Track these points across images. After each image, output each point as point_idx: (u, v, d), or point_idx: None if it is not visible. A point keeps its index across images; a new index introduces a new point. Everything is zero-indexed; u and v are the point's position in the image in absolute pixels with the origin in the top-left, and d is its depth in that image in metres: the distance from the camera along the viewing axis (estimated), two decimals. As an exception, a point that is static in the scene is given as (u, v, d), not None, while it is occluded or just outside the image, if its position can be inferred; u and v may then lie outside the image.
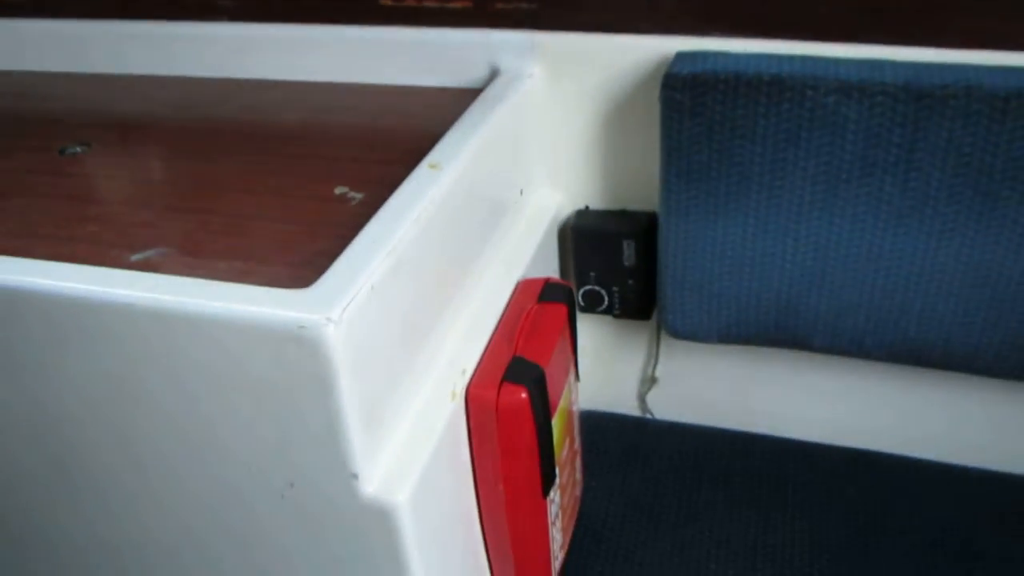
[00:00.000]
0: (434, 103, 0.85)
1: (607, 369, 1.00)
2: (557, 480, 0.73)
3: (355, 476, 0.55)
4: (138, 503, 0.64)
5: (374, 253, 0.56)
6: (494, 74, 0.86)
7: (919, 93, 0.71)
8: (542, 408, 0.67)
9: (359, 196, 0.68)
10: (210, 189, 0.71)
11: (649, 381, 1.00)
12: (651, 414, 1.02)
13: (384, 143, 0.78)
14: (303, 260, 0.60)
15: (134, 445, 0.60)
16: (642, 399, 1.02)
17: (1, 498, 0.71)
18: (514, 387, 0.65)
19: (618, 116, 0.86)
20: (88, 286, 0.55)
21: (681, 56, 0.79)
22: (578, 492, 0.85)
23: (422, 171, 0.66)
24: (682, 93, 0.76)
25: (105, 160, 0.78)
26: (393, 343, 0.58)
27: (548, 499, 0.72)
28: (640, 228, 0.88)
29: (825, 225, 0.78)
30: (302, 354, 0.50)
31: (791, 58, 0.76)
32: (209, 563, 0.66)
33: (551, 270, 0.90)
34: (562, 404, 0.74)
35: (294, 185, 0.71)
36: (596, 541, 0.85)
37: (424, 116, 0.83)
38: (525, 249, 0.82)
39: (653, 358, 0.98)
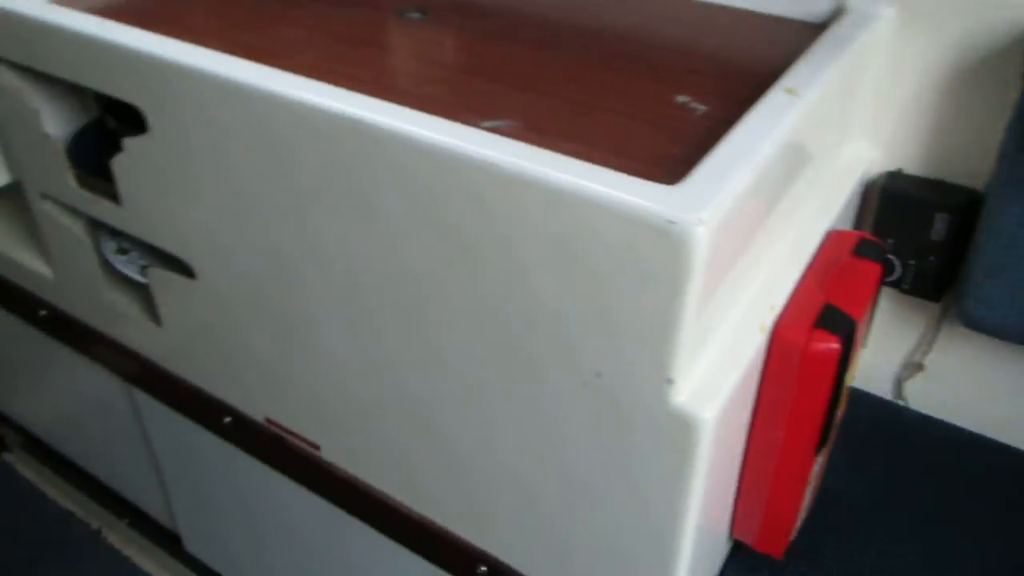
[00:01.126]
0: (770, 30, 0.81)
1: (871, 343, 0.95)
2: (829, 441, 0.71)
3: (670, 381, 0.54)
4: (438, 357, 0.67)
5: (738, 166, 0.54)
6: (838, 11, 0.81)
7: None
8: (845, 362, 0.64)
9: (703, 108, 0.66)
10: (547, 73, 0.71)
11: (914, 367, 0.94)
12: (905, 401, 0.96)
13: (722, 60, 0.75)
14: (652, 158, 0.59)
15: (453, 300, 0.62)
16: (899, 383, 0.96)
17: (295, 336, 0.76)
18: (826, 335, 0.62)
19: (964, 78, 0.79)
20: (454, 140, 0.56)
21: None
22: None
23: (778, 94, 0.63)
24: (1061, 64, 0.69)
25: (442, 29, 0.80)
26: (728, 259, 0.57)
27: (816, 458, 0.69)
28: (959, 203, 0.81)
29: None
30: (662, 249, 0.50)
31: None
32: (485, 434, 0.68)
33: (849, 227, 0.86)
34: (852, 365, 0.71)
35: (632, 85, 0.70)
36: (834, 514, 0.82)
37: (761, 41, 0.79)
38: (835, 199, 0.77)
39: (927, 343, 0.92)
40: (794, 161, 0.66)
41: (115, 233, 0.95)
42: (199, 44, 0.70)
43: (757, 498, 0.71)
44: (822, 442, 0.68)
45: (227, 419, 0.91)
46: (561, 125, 0.63)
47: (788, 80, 0.65)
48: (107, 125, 0.88)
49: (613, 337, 0.55)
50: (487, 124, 0.62)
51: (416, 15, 0.83)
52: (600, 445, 0.61)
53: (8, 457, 1.60)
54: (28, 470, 1.57)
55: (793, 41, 0.78)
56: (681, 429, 0.56)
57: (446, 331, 0.65)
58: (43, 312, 1.07)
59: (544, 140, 0.60)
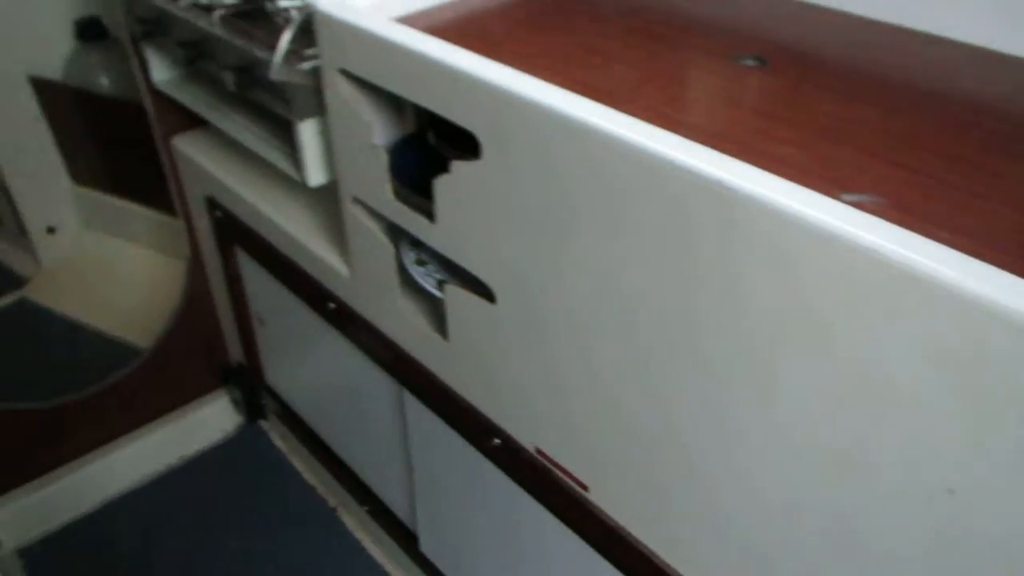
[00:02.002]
0: None
1: None
2: None
3: (1047, 518, 0.48)
4: (749, 432, 0.63)
5: None
6: None
7: None
8: None
9: (1095, 203, 0.58)
10: (904, 142, 0.66)
11: None
12: None
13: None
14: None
15: (782, 383, 0.59)
16: None
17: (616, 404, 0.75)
18: None
19: None
20: (828, 217, 0.52)
21: None
22: None
23: None
24: None
25: (782, 80, 0.76)
26: None
27: None
28: None
29: None
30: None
31: None
32: (789, 525, 0.63)
33: None
34: None
35: (1005, 166, 0.63)
36: None
37: None
38: None
39: None
40: None
41: (415, 243, 0.99)
42: (538, 77, 0.70)
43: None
44: None
45: (496, 441, 0.92)
46: (931, 208, 0.58)
47: None
48: (428, 141, 0.92)
49: (983, 455, 0.49)
50: (848, 198, 0.58)
51: (752, 62, 0.79)
52: (931, 567, 0.55)
53: (264, 424, 1.72)
54: (280, 439, 1.69)
55: None
56: (1049, 572, 0.49)
57: (767, 408, 0.61)
58: (332, 305, 1.13)
59: (916, 224, 0.55)
